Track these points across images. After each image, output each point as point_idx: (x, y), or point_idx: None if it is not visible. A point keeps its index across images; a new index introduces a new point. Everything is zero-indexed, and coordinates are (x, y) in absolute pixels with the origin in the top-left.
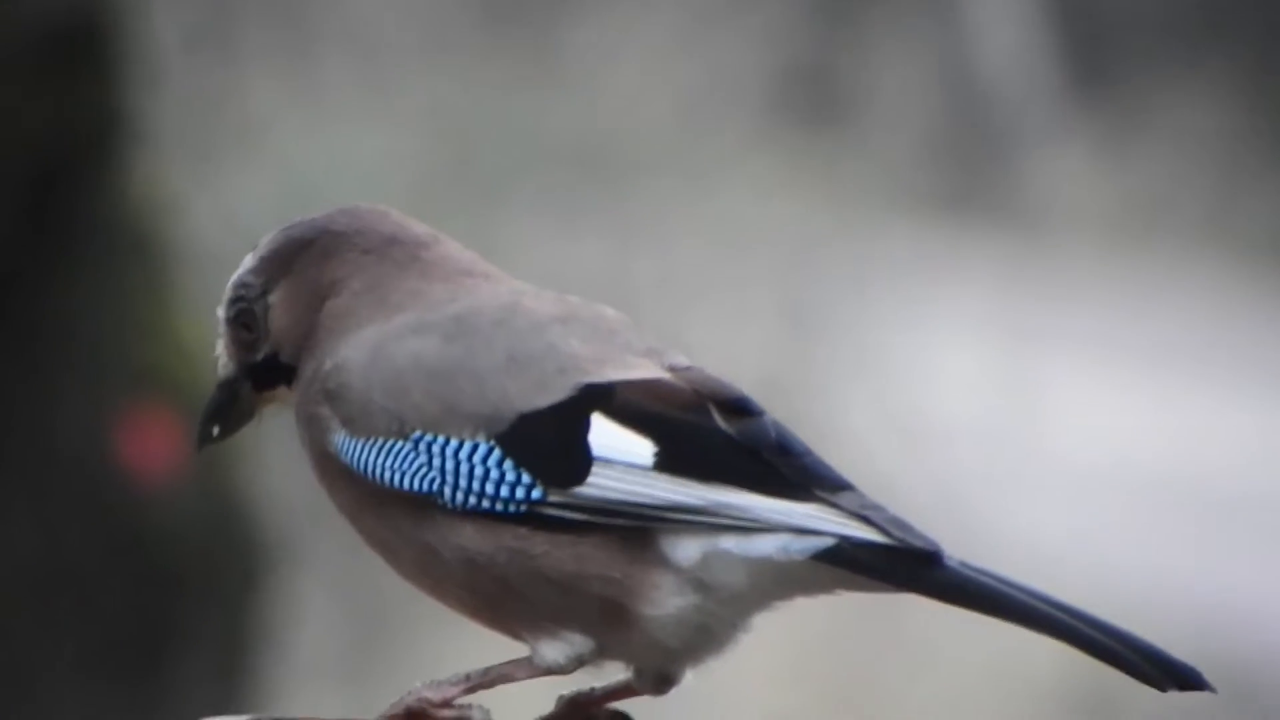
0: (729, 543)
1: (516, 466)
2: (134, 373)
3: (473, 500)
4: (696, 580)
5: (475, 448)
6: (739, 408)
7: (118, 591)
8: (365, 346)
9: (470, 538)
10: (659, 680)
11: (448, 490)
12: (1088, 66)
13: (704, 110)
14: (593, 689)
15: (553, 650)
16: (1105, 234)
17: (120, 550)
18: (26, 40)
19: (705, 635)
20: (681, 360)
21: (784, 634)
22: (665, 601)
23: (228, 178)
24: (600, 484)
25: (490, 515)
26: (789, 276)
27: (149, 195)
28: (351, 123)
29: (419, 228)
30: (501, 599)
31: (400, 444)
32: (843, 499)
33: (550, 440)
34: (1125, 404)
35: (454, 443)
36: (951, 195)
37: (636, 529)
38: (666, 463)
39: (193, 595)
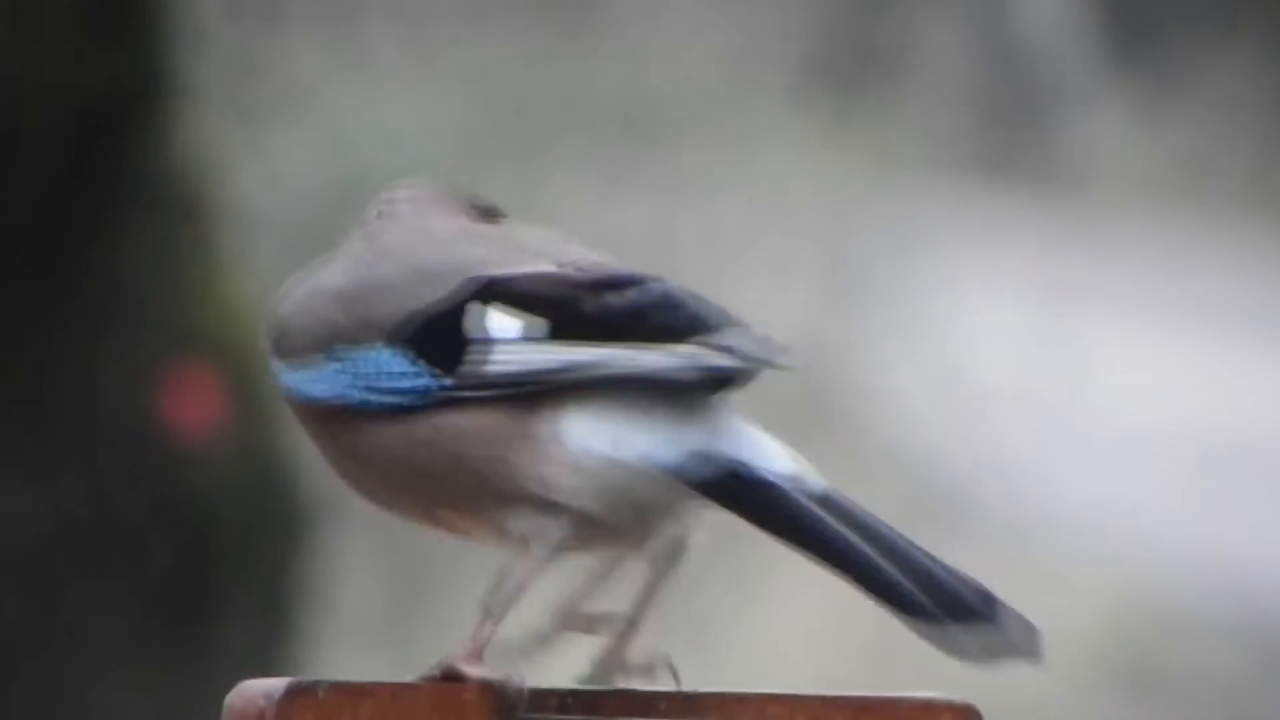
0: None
1: (423, 361)
2: (178, 333)
3: (391, 400)
4: (602, 438)
5: (385, 351)
6: (627, 282)
7: (162, 550)
8: (302, 282)
9: (395, 439)
10: (657, 552)
11: (370, 396)
12: (1129, 27)
13: (747, 70)
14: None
15: (520, 525)
16: (1147, 194)
17: (164, 509)
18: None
19: (629, 493)
20: (589, 259)
21: (830, 596)
22: (575, 461)
23: (273, 139)
24: (502, 360)
25: (409, 412)
26: (831, 236)
27: (195, 156)
28: (397, 83)
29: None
30: (441, 494)
31: (322, 359)
32: (720, 335)
33: (450, 331)
34: (1168, 363)
35: (367, 350)
36: (994, 156)
37: (539, 399)
38: (559, 333)
39: (235, 553)
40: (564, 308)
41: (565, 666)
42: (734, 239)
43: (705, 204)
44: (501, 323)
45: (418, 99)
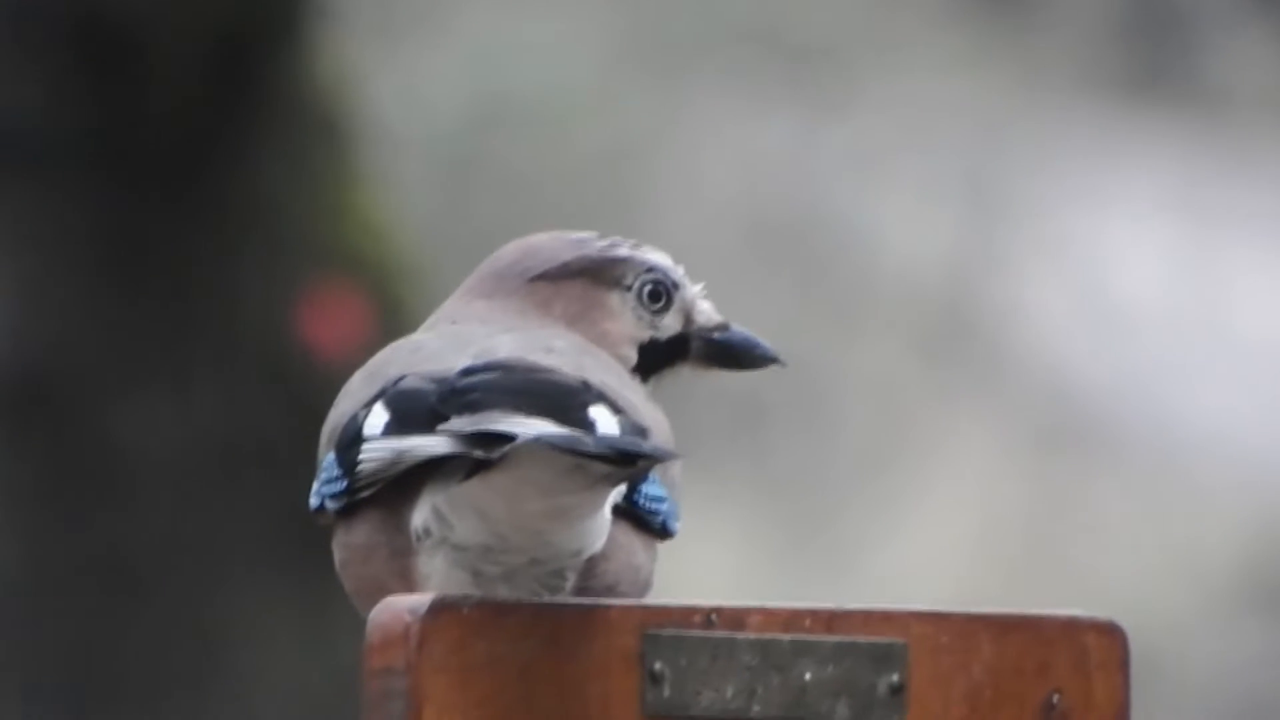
0: (440, 484)
1: (338, 464)
2: (317, 249)
3: (330, 504)
4: (441, 524)
5: (329, 457)
6: (470, 371)
7: (299, 465)
8: None
9: (337, 538)
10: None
11: (324, 500)
12: None
13: None
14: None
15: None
16: None
17: (302, 425)
18: None
19: (493, 558)
20: (505, 355)
21: (974, 514)
22: (428, 559)
23: (413, 56)
24: (362, 459)
25: (343, 514)
26: (974, 156)
27: (334, 74)
28: (536, 2)
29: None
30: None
31: (318, 468)
32: (464, 419)
33: (350, 433)
34: None
35: (326, 458)
36: (1137, 75)
37: (398, 502)
38: (389, 427)
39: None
40: (400, 401)
41: (710, 584)
42: (877, 159)
43: (848, 124)
44: (372, 421)
45: (559, 15)
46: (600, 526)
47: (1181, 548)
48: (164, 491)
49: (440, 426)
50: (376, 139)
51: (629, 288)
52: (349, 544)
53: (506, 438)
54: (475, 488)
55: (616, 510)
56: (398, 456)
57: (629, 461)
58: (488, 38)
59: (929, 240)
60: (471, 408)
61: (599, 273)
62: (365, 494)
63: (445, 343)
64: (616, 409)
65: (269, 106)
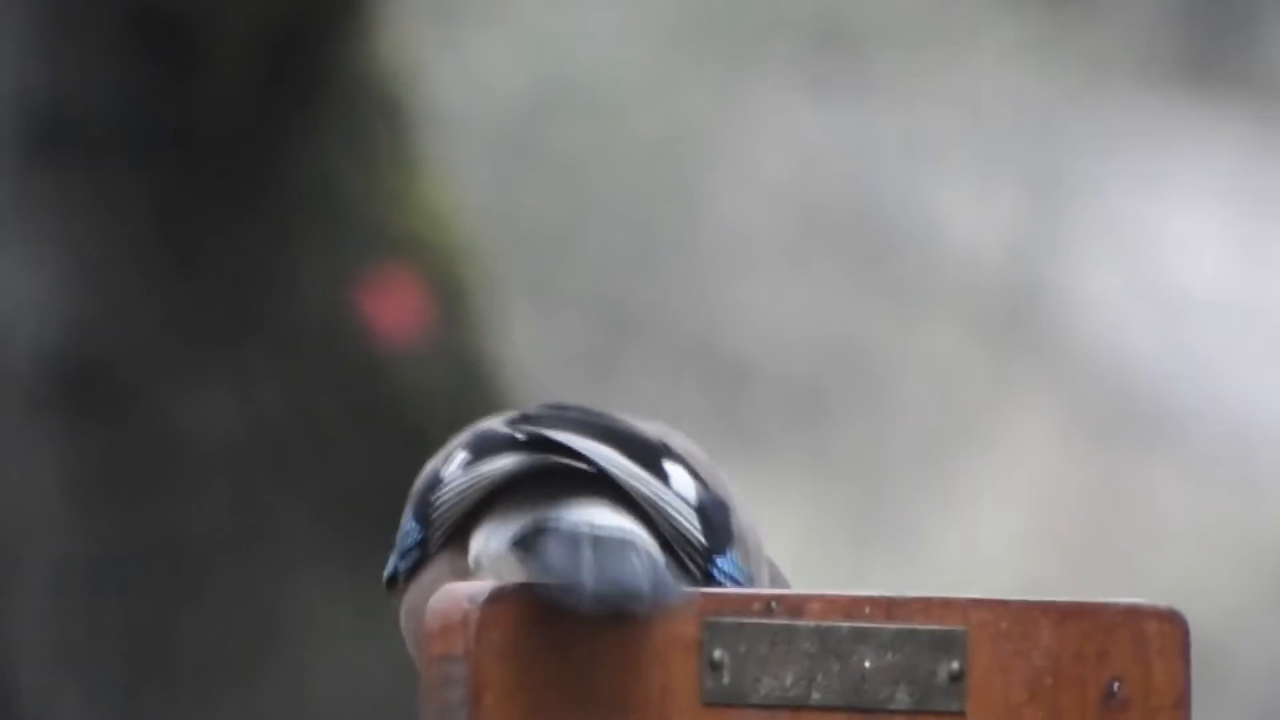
0: (490, 536)
1: (413, 518)
2: (378, 236)
3: (402, 565)
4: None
5: (405, 519)
6: (554, 406)
7: (360, 454)
8: None
9: (407, 596)
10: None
11: (396, 564)
12: None
13: None
14: None
15: None
16: None
17: (363, 413)
18: None
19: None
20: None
21: (1034, 501)
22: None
23: (473, 41)
24: (438, 501)
25: (409, 573)
26: (1033, 143)
27: (394, 58)
28: None
29: None
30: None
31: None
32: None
33: (425, 484)
34: None
35: (403, 520)
36: (1197, 62)
37: (458, 541)
38: (466, 462)
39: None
40: (478, 440)
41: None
42: (935, 146)
43: (906, 111)
44: (451, 467)
45: (619, 2)
46: None
47: (1242, 535)
48: (222, 479)
49: (513, 430)
50: (436, 124)
51: None
52: (416, 590)
53: (574, 453)
54: (510, 559)
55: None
56: (471, 483)
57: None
58: (548, 24)
59: (988, 227)
60: (541, 424)
61: None
62: (439, 540)
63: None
64: (696, 475)
65: (329, 90)
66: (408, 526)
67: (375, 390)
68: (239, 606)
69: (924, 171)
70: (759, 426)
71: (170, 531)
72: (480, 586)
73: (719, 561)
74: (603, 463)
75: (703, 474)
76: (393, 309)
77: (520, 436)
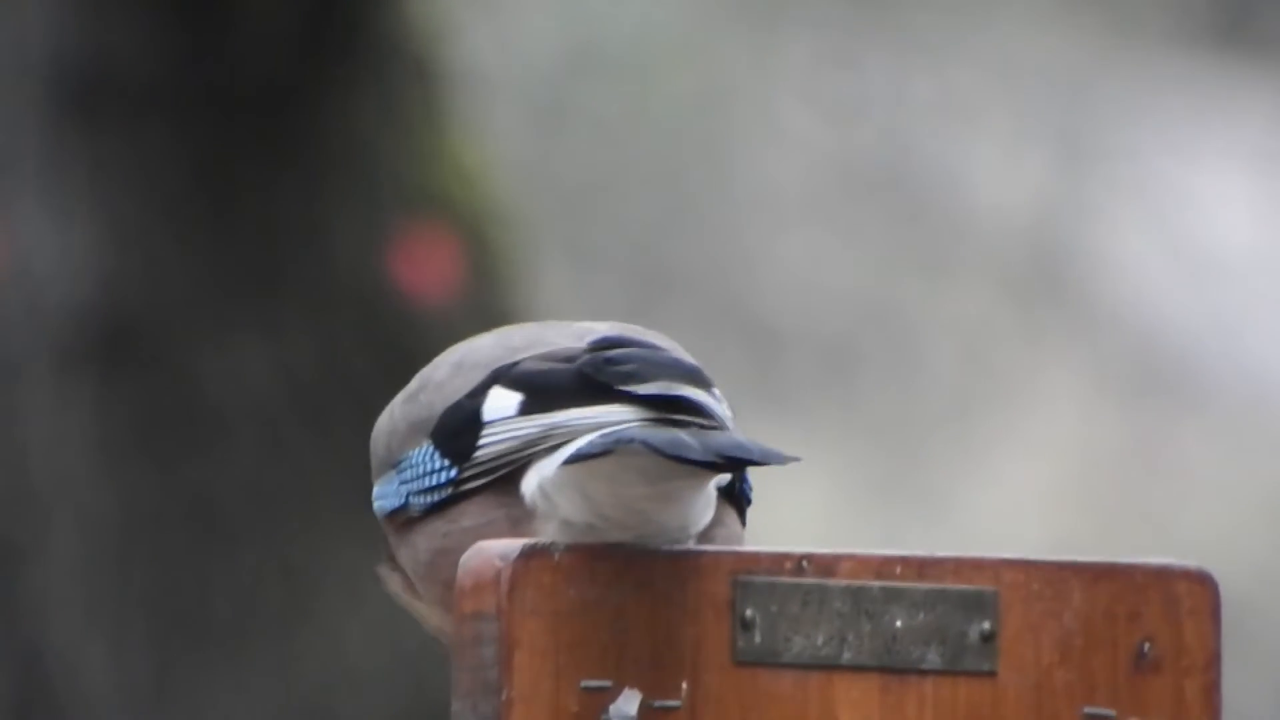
0: (547, 462)
1: (441, 455)
2: (410, 194)
3: (424, 500)
4: (546, 501)
5: (426, 449)
6: (601, 345)
7: None
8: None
9: (428, 535)
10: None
11: (412, 499)
12: None
13: None
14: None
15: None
16: None
17: (395, 370)
18: None
19: (601, 533)
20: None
21: (1064, 461)
22: (543, 529)
23: (505, 1)
24: (486, 444)
25: (438, 509)
26: (1065, 104)
27: (428, 17)
28: None
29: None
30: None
31: (393, 472)
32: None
33: (458, 421)
34: None
35: (412, 453)
36: (1228, 24)
37: (511, 474)
38: (526, 407)
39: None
40: (535, 379)
41: (800, 530)
42: (967, 106)
43: (939, 71)
44: (495, 403)
45: None
46: (706, 504)
47: (1270, 494)
48: (254, 436)
49: (627, 389)
50: (470, 83)
51: None
52: (453, 530)
53: (694, 405)
54: (578, 471)
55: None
56: (547, 432)
57: (739, 466)
58: None
59: (1019, 188)
60: (638, 378)
61: None
62: (477, 482)
63: (528, 335)
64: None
65: (362, 49)
66: (433, 464)
67: (407, 347)
68: (272, 563)
69: (956, 132)
70: (790, 385)
71: (202, 489)
72: (511, 544)
73: (747, 478)
74: (721, 418)
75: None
76: (425, 267)
77: (640, 392)
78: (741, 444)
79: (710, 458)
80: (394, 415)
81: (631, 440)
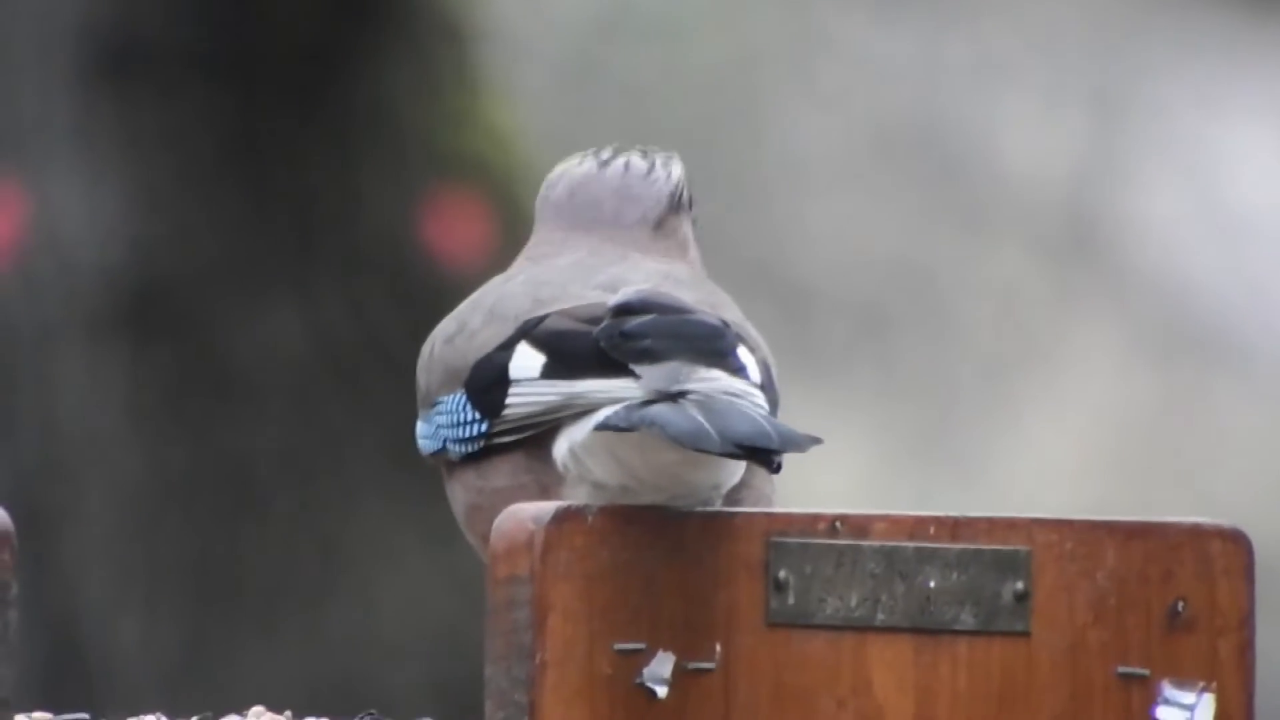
0: (577, 427)
1: (473, 407)
2: (441, 157)
3: (460, 448)
4: (578, 465)
5: (455, 398)
6: (625, 309)
7: None
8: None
9: (465, 487)
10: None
11: (451, 445)
12: None
13: None
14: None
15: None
16: None
17: (425, 334)
18: None
19: (633, 494)
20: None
21: (1096, 421)
22: (574, 493)
23: None
24: (513, 403)
25: (475, 458)
26: (1099, 64)
27: None
28: None
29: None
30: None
31: (432, 411)
32: (658, 370)
33: (489, 375)
34: None
35: (448, 399)
36: None
37: (541, 437)
38: (548, 370)
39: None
40: (559, 341)
41: (834, 491)
42: (1001, 67)
43: (972, 32)
44: (522, 360)
45: None
46: (736, 464)
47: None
48: (286, 401)
49: (638, 369)
50: (501, 46)
51: (690, 208)
52: (485, 488)
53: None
54: (609, 437)
55: None
56: (567, 401)
57: (759, 456)
58: None
59: (1053, 148)
60: (650, 356)
61: (679, 206)
62: (508, 438)
63: (565, 275)
64: (750, 347)
65: (393, 13)
66: (467, 415)
67: (439, 311)
68: (304, 528)
69: (989, 93)
70: (824, 347)
71: (235, 454)
72: (544, 507)
73: None
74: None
75: (747, 340)
76: (456, 230)
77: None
78: (763, 430)
79: (728, 448)
80: (434, 354)
81: (652, 424)
